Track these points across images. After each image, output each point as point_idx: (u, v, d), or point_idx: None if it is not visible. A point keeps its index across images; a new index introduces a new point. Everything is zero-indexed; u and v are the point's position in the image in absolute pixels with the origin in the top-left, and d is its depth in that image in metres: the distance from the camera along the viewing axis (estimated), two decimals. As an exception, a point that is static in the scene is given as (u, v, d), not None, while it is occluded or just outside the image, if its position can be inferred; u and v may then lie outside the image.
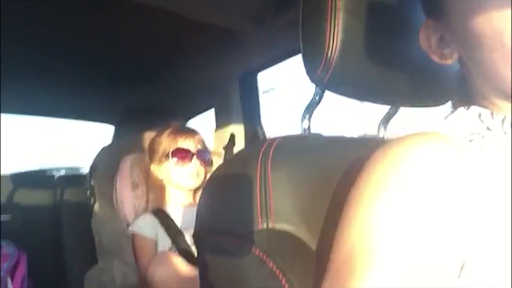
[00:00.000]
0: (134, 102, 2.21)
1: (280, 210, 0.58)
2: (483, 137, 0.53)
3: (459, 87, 0.63)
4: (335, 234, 0.50)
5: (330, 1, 0.66)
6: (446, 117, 0.60)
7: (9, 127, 2.44)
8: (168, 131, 1.70)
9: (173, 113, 2.09)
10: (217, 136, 1.96)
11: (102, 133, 2.62)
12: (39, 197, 2.13)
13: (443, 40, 0.59)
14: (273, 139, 0.64)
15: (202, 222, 0.68)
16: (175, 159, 1.64)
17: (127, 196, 1.72)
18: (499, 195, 0.46)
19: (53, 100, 2.36)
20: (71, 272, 1.84)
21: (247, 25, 1.54)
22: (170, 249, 1.55)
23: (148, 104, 2.19)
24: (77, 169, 2.37)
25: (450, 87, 0.71)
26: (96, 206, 1.77)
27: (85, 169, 2.11)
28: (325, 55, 0.66)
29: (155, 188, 1.73)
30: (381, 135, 0.88)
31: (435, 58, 0.60)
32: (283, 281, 0.55)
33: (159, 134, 1.71)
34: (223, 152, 1.88)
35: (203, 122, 2.16)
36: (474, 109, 0.58)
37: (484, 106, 0.57)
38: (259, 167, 0.60)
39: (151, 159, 1.71)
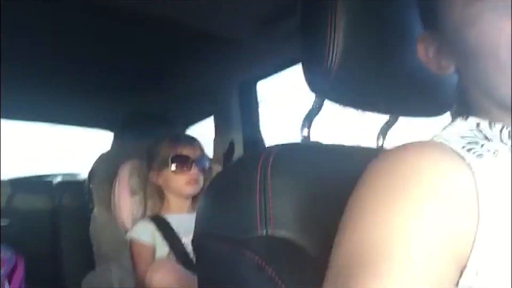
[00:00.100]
0: (133, 109, 2.21)
1: (279, 217, 0.58)
2: (481, 146, 0.53)
3: (457, 97, 0.64)
4: (334, 241, 0.50)
5: (330, 11, 0.66)
6: (445, 127, 0.61)
7: (8, 132, 2.43)
8: (167, 138, 1.71)
9: (172, 121, 2.10)
10: (216, 143, 1.97)
11: (101, 140, 2.62)
12: (38, 203, 2.13)
13: (440, 51, 0.59)
14: (273, 147, 0.65)
15: (201, 229, 0.68)
16: (174, 166, 1.64)
17: (126, 202, 1.72)
18: (498, 204, 0.46)
19: (52, 107, 2.36)
20: (69, 277, 1.83)
21: (247, 34, 1.55)
22: (168, 256, 1.55)
23: (147, 111, 2.19)
24: (76, 175, 2.36)
25: (449, 97, 0.72)
26: (95, 212, 1.77)
27: (84, 175, 2.11)
28: (324, 64, 0.67)
29: (154, 195, 1.73)
30: (380, 144, 0.88)
31: (432, 68, 0.61)
32: None
33: (158, 141, 1.72)
34: (222, 160, 1.88)
35: (203, 130, 2.17)
36: (472, 119, 0.58)
37: (482, 116, 0.58)
38: (258, 175, 0.60)
39: (150, 166, 1.71)
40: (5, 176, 2.19)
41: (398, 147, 0.52)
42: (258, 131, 1.87)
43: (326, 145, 0.73)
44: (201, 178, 1.67)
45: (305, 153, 0.68)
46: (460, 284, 0.46)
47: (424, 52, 0.61)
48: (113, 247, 1.68)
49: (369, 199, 0.49)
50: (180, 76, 1.98)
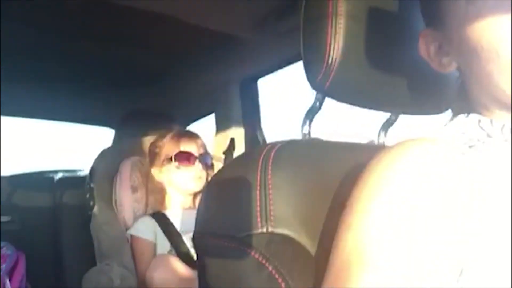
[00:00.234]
0: (134, 106, 2.21)
1: (279, 215, 0.58)
2: (483, 143, 0.53)
3: (458, 94, 0.64)
4: (334, 238, 0.50)
5: (331, 8, 0.66)
6: (446, 124, 0.61)
7: (9, 129, 2.44)
8: (170, 134, 1.71)
9: (173, 118, 2.10)
10: (217, 141, 1.97)
11: (102, 137, 2.62)
12: (38, 199, 2.13)
13: (442, 49, 0.59)
14: (274, 144, 0.65)
15: (201, 226, 0.68)
16: (178, 162, 1.64)
17: (127, 199, 1.72)
18: (498, 201, 0.47)
19: (53, 104, 2.36)
20: (70, 273, 1.83)
21: (248, 31, 1.55)
22: (169, 252, 1.55)
23: (148, 108, 2.19)
24: (77, 171, 2.36)
25: (450, 94, 0.72)
26: (96, 209, 1.77)
27: (85, 172, 2.10)
28: (326, 61, 0.67)
29: (155, 191, 1.73)
30: (381, 142, 0.88)
31: (434, 66, 0.61)
32: (282, 285, 0.55)
33: (161, 137, 1.72)
34: (223, 157, 1.88)
35: (204, 127, 2.17)
36: (474, 116, 0.58)
37: (483, 114, 0.58)
38: (259, 172, 0.60)
39: (152, 162, 1.71)
40: (6, 173, 2.19)
41: (399, 144, 0.52)
42: (260, 128, 1.87)
43: (327, 142, 0.73)
44: (204, 175, 1.67)
45: (305, 150, 0.68)
46: (459, 282, 0.46)
47: (426, 50, 0.61)
48: (114, 244, 1.68)
49: (368, 197, 0.49)
50: (181, 73, 1.98)
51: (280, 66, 1.71)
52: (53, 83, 2.12)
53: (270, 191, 0.59)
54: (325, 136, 0.76)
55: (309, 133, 0.76)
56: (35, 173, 2.34)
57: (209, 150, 1.80)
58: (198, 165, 1.66)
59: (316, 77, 0.69)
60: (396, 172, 0.48)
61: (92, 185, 1.81)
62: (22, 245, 1.70)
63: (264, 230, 0.58)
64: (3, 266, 1.55)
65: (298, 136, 0.77)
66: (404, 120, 0.86)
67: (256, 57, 1.69)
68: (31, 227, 2.04)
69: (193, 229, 0.69)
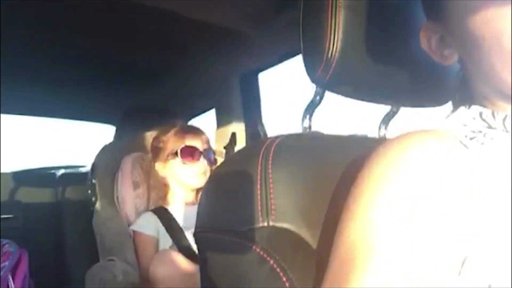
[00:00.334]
0: (135, 102, 2.21)
1: (280, 209, 0.58)
2: (484, 135, 0.53)
3: (460, 87, 0.63)
4: (336, 232, 0.50)
5: (330, 1, 0.66)
6: (447, 116, 0.61)
7: (11, 126, 2.44)
8: (175, 129, 1.71)
9: (174, 113, 2.10)
10: (218, 135, 1.97)
11: (103, 133, 2.62)
12: (41, 196, 2.13)
13: (443, 41, 0.59)
14: (274, 138, 0.64)
15: (203, 221, 0.68)
16: (183, 157, 1.64)
17: (129, 195, 1.73)
18: (500, 192, 0.47)
19: (54, 101, 2.36)
20: (73, 270, 1.84)
21: (248, 25, 1.54)
22: (171, 247, 1.56)
23: (149, 104, 2.19)
24: (78, 167, 2.36)
25: (451, 87, 0.72)
26: (98, 205, 1.78)
27: (87, 168, 2.11)
28: (325, 55, 0.66)
29: (157, 187, 1.73)
30: (382, 135, 0.88)
31: (435, 58, 0.61)
32: (284, 279, 0.55)
33: (165, 132, 1.71)
34: (224, 151, 1.88)
35: (204, 122, 2.17)
36: (475, 108, 0.58)
37: (485, 106, 0.58)
38: (259, 166, 0.60)
39: (156, 157, 1.71)
40: (8, 169, 2.20)
41: (400, 136, 0.52)
42: (260, 123, 1.87)
43: (327, 136, 0.73)
44: (208, 170, 1.67)
45: (306, 143, 0.68)
46: (462, 273, 0.46)
47: (427, 42, 0.61)
48: (117, 240, 1.68)
49: (367, 191, 0.49)
50: (181, 69, 1.98)
51: (280, 60, 1.71)
52: (54, 81, 2.13)
53: (271, 185, 0.59)
54: (326, 130, 0.76)
55: (309, 127, 0.76)
56: (37, 169, 2.34)
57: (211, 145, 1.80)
58: (203, 161, 1.66)
59: (316, 71, 0.69)
60: (398, 168, 0.48)
61: (94, 181, 1.82)
62: (25, 242, 1.71)
63: (265, 224, 0.58)
64: (6, 263, 1.56)
65: (299, 130, 0.76)
66: (405, 113, 0.85)
67: (256, 51, 1.69)
68: (34, 224, 2.04)
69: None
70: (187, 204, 1.67)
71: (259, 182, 0.60)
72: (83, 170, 2.26)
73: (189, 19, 1.49)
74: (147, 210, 1.72)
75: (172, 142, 1.67)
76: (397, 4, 0.70)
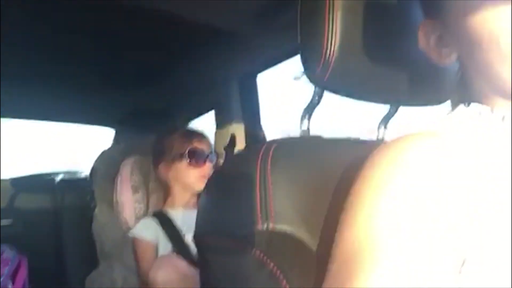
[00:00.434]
0: (134, 105, 2.21)
1: (280, 211, 0.58)
2: (483, 133, 0.53)
3: (458, 85, 0.63)
4: (335, 234, 0.50)
5: (328, 1, 0.66)
6: (446, 115, 0.61)
7: (9, 131, 2.44)
8: (180, 131, 1.70)
9: (173, 116, 2.10)
10: (217, 137, 1.96)
11: (102, 137, 2.62)
12: (40, 201, 2.13)
13: (442, 40, 0.59)
14: (272, 141, 0.65)
15: (202, 224, 0.68)
16: (189, 159, 1.64)
17: (128, 200, 1.72)
18: (500, 190, 0.47)
19: (53, 105, 2.36)
20: (72, 275, 1.84)
21: (246, 26, 1.54)
22: (171, 252, 1.55)
23: (147, 107, 2.19)
24: (77, 173, 2.37)
25: (450, 85, 0.72)
26: (97, 210, 1.77)
27: (85, 173, 2.11)
28: (323, 55, 0.66)
29: (156, 190, 1.73)
30: (381, 135, 0.87)
31: (433, 57, 0.60)
32: (283, 282, 0.55)
33: (170, 134, 1.70)
34: (224, 153, 1.87)
35: (203, 124, 2.17)
36: (474, 106, 0.58)
37: (483, 104, 0.58)
38: (258, 169, 0.60)
39: (159, 159, 1.70)
40: (7, 175, 2.20)
41: (397, 138, 0.52)
42: (259, 124, 1.87)
43: (326, 138, 0.73)
44: None
45: (304, 146, 0.68)
46: (462, 272, 0.45)
47: (425, 41, 0.61)
48: (116, 245, 1.68)
49: (368, 193, 0.49)
50: (180, 71, 1.98)
51: (279, 61, 1.71)
52: (53, 84, 2.13)
53: (270, 188, 0.59)
54: (325, 130, 0.76)
55: (308, 128, 0.76)
56: (36, 175, 2.35)
57: (210, 147, 1.80)
58: (208, 164, 1.65)
59: (315, 71, 0.69)
60: (399, 169, 0.48)
61: (93, 186, 1.81)
62: (24, 248, 1.71)
63: (265, 227, 0.58)
64: (6, 269, 1.55)
65: (298, 130, 0.76)
66: (405, 112, 0.85)
67: (255, 52, 1.69)
68: (33, 230, 2.04)
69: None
70: (187, 208, 1.66)
71: (258, 185, 0.59)
72: (82, 175, 2.26)
73: (187, 21, 1.49)
74: (146, 214, 1.71)
75: (179, 144, 1.66)
76: (395, 3, 0.70)
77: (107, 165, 1.85)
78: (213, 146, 1.74)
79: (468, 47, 0.54)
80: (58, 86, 2.16)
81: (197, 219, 0.69)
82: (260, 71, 1.84)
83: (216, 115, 2.00)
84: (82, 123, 2.62)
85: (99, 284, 1.59)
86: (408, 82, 0.72)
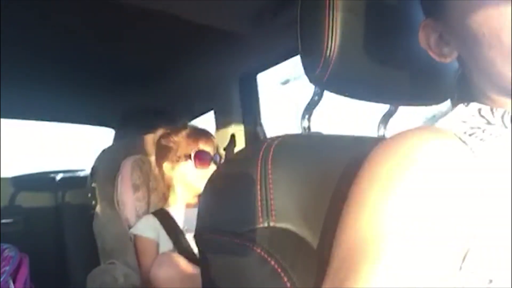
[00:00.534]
0: (134, 105, 2.21)
1: (281, 209, 0.58)
2: (483, 131, 0.54)
3: (458, 84, 0.63)
4: (337, 230, 0.50)
5: (328, 1, 0.66)
6: (446, 114, 0.61)
7: (10, 130, 2.44)
8: (187, 131, 1.69)
9: (172, 116, 2.09)
10: (217, 137, 1.96)
11: (102, 136, 2.62)
12: (41, 200, 2.13)
13: (442, 38, 0.59)
14: (273, 139, 0.64)
15: (203, 222, 0.68)
16: (196, 160, 1.63)
17: (129, 198, 1.72)
18: (501, 187, 0.47)
19: (53, 105, 2.36)
20: (73, 274, 1.84)
21: (246, 26, 1.54)
22: (172, 250, 1.55)
23: (147, 107, 2.19)
24: (78, 171, 2.36)
25: (450, 85, 0.72)
26: (98, 208, 1.77)
27: (86, 172, 2.11)
28: (323, 54, 0.66)
29: (159, 188, 1.73)
30: (381, 134, 0.88)
31: (434, 56, 0.61)
32: (285, 279, 0.55)
33: (175, 133, 1.69)
34: (224, 153, 1.88)
35: (203, 124, 2.17)
36: (474, 105, 0.58)
37: (483, 103, 0.58)
38: (259, 166, 0.60)
39: (164, 157, 1.69)
40: (8, 174, 2.20)
41: (399, 133, 0.52)
42: (260, 124, 1.87)
43: (327, 136, 0.73)
44: None
45: (305, 143, 0.68)
46: (463, 267, 0.46)
47: (426, 40, 0.61)
48: (117, 243, 1.68)
49: (368, 189, 0.49)
50: (180, 70, 1.98)
51: (279, 61, 1.71)
52: (53, 85, 2.13)
53: (271, 186, 0.59)
54: (325, 130, 0.76)
55: (308, 127, 0.76)
56: (37, 174, 2.34)
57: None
58: (212, 166, 1.65)
59: (315, 70, 0.69)
60: (398, 163, 0.48)
61: (93, 184, 1.81)
62: (26, 246, 1.71)
63: (266, 224, 0.58)
64: (7, 268, 1.55)
65: (298, 130, 0.77)
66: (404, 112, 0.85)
67: (255, 52, 1.69)
68: (34, 228, 2.04)
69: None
70: (188, 206, 1.67)
71: (259, 182, 0.60)
72: (82, 173, 2.26)
73: (187, 21, 1.49)
74: (147, 212, 1.71)
75: (185, 144, 1.65)
76: (395, 3, 0.70)
77: (108, 163, 1.85)
78: (217, 146, 1.74)
79: (470, 45, 0.55)
80: (59, 87, 2.16)
81: (198, 217, 0.69)
82: (260, 71, 1.84)
83: (216, 115, 2.00)
84: (82, 123, 2.61)
85: (100, 282, 1.59)
86: (408, 82, 0.72)
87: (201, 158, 1.63)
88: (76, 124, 2.63)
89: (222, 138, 1.91)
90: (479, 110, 0.57)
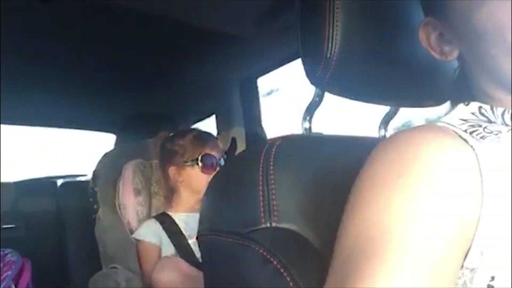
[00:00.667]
0: (134, 109, 2.21)
1: (283, 209, 0.58)
2: (484, 129, 0.54)
3: (458, 84, 0.64)
4: (338, 229, 0.50)
5: (328, 2, 0.66)
6: (446, 113, 0.61)
7: (12, 136, 2.44)
8: (193, 134, 1.68)
9: (174, 120, 2.10)
10: (218, 140, 1.97)
11: (103, 141, 2.63)
12: (42, 205, 2.13)
13: (443, 37, 0.59)
14: (275, 140, 0.64)
15: (205, 223, 0.68)
16: (203, 165, 1.62)
17: (130, 202, 1.72)
18: (501, 184, 0.47)
19: (55, 110, 2.37)
20: (75, 278, 1.83)
21: (246, 30, 1.55)
22: (174, 255, 1.55)
23: (148, 111, 2.19)
24: (79, 176, 2.37)
25: (450, 86, 0.72)
26: (99, 213, 1.77)
27: (87, 177, 2.11)
28: (324, 56, 0.67)
29: (159, 193, 1.73)
30: (382, 135, 0.88)
31: (435, 55, 0.61)
32: (288, 279, 0.55)
33: (180, 137, 1.68)
34: (225, 157, 1.88)
35: (205, 127, 2.17)
36: (474, 104, 0.58)
37: (483, 101, 0.58)
38: (261, 167, 0.60)
39: (169, 160, 1.68)
40: (10, 179, 2.20)
41: (400, 132, 0.52)
42: (260, 126, 1.87)
43: (328, 136, 0.73)
44: None
45: (307, 144, 0.68)
46: (465, 265, 0.46)
47: (426, 38, 0.61)
48: (119, 248, 1.68)
49: (371, 187, 0.49)
50: (181, 74, 1.98)
51: (279, 64, 1.71)
52: (54, 90, 2.13)
53: (273, 186, 0.59)
54: (326, 131, 0.76)
55: (310, 129, 0.76)
56: (38, 179, 2.35)
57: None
58: (218, 170, 1.64)
59: (315, 72, 0.69)
60: (399, 160, 0.48)
61: (95, 189, 1.81)
62: (27, 251, 1.71)
63: (268, 225, 0.58)
64: (9, 273, 1.55)
65: (299, 132, 0.77)
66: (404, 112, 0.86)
67: (255, 56, 1.69)
68: (36, 233, 2.04)
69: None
70: (191, 211, 1.66)
71: (261, 183, 0.60)
72: (84, 178, 2.26)
73: (187, 25, 1.50)
74: (148, 216, 1.71)
75: (192, 148, 1.64)
76: (395, 3, 0.71)
77: (109, 168, 1.85)
78: (222, 150, 1.74)
79: (472, 43, 0.55)
80: (60, 93, 2.16)
81: (200, 218, 0.69)
82: (260, 75, 1.85)
83: (217, 118, 2.00)
84: (83, 128, 2.62)
85: (103, 286, 1.58)
86: (409, 84, 0.73)
87: (208, 162, 1.63)
88: (78, 130, 2.63)
89: (223, 142, 1.91)
90: (480, 108, 0.58)
